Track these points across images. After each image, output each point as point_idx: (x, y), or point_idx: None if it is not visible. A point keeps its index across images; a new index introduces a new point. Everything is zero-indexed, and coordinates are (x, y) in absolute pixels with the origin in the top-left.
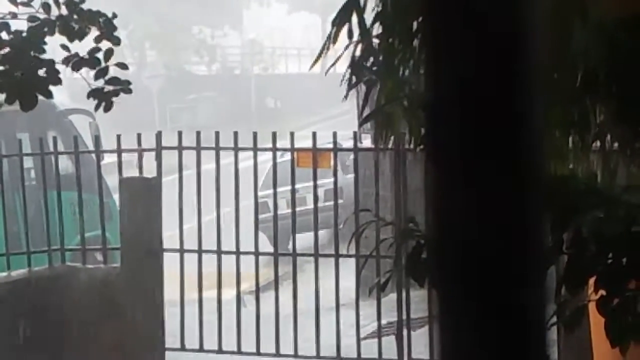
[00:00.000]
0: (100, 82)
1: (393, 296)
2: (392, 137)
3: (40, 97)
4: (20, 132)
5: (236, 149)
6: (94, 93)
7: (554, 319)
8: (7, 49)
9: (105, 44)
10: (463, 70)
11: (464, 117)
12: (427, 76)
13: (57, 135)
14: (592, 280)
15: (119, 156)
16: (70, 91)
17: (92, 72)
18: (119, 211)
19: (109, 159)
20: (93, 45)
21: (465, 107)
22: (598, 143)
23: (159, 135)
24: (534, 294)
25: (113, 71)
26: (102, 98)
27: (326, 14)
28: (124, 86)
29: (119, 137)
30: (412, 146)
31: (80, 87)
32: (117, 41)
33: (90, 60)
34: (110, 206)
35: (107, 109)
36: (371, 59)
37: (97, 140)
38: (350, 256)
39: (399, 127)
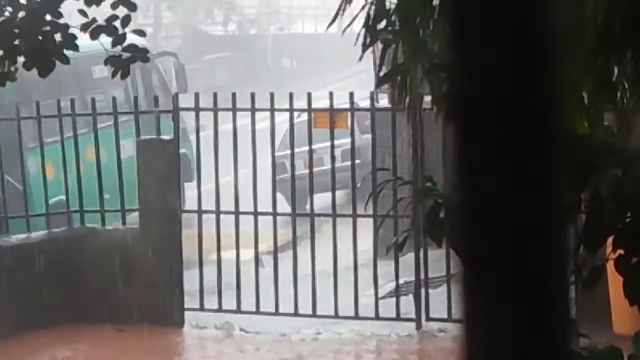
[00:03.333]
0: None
1: (411, 255)
2: (410, 97)
3: (134, 41)
4: (97, 65)
5: (253, 110)
6: (111, 60)
7: (573, 278)
8: (23, 13)
9: (122, 8)
10: (485, 30)
11: (485, 77)
12: (449, 36)
13: (149, 74)
14: (610, 239)
15: (136, 118)
16: None
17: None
18: (137, 173)
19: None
20: (109, 9)
21: (487, 66)
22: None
23: (175, 97)
24: (554, 252)
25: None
26: (119, 65)
27: None
28: (142, 54)
29: (135, 98)
30: (430, 106)
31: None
32: (133, 8)
33: (108, 28)
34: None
35: (124, 76)
36: (386, 20)
37: (114, 101)
38: (367, 216)
39: (416, 87)
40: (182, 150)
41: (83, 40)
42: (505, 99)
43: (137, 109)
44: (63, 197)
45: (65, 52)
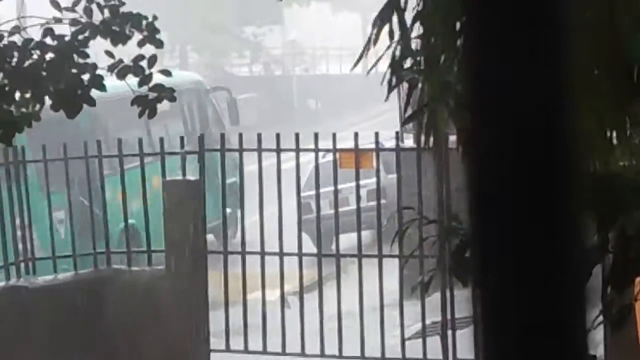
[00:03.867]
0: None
1: (437, 296)
2: (435, 137)
3: (192, 78)
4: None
5: (278, 150)
6: (137, 100)
7: (601, 318)
8: (51, 55)
9: (147, 48)
10: (505, 72)
11: (504, 118)
12: (469, 77)
13: (205, 108)
14: (638, 279)
15: (162, 159)
16: None
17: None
18: (162, 214)
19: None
20: (135, 47)
21: (506, 107)
22: None
23: (201, 138)
24: (575, 295)
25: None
26: (146, 105)
27: (366, 13)
28: (168, 94)
29: (161, 139)
30: (455, 145)
31: None
32: (159, 44)
33: (135, 68)
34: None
35: (152, 115)
36: (411, 59)
37: (140, 143)
38: (393, 256)
39: (442, 127)
40: (233, 180)
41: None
42: (525, 139)
43: (162, 149)
44: (131, 221)
45: (132, 85)
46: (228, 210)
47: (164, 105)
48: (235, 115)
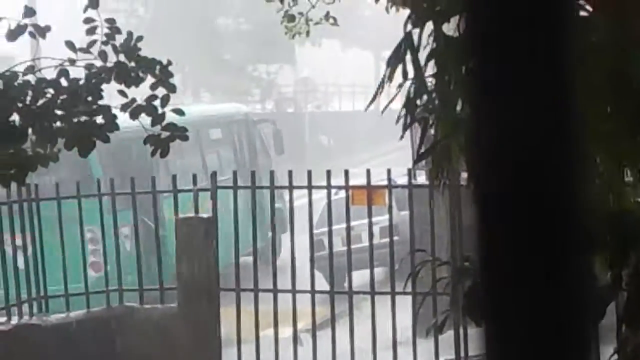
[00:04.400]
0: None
1: (450, 333)
2: (447, 174)
3: (242, 109)
4: (214, 128)
5: (291, 187)
6: (150, 139)
7: (615, 357)
8: (64, 95)
9: (161, 89)
10: (510, 109)
11: (513, 155)
12: (473, 114)
13: (253, 138)
14: None
15: (175, 197)
16: None
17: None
18: (175, 251)
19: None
20: (149, 87)
21: (516, 143)
22: None
23: (213, 175)
24: (588, 334)
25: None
26: (159, 144)
27: (378, 50)
28: (181, 133)
29: (174, 177)
30: (466, 183)
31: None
32: (172, 89)
33: (148, 108)
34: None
35: (164, 154)
36: (425, 97)
37: (153, 180)
38: (406, 293)
39: (455, 164)
40: (278, 205)
41: (200, 106)
42: (539, 174)
43: (175, 187)
44: None
45: (189, 117)
46: (269, 234)
47: (217, 134)
48: (280, 145)
